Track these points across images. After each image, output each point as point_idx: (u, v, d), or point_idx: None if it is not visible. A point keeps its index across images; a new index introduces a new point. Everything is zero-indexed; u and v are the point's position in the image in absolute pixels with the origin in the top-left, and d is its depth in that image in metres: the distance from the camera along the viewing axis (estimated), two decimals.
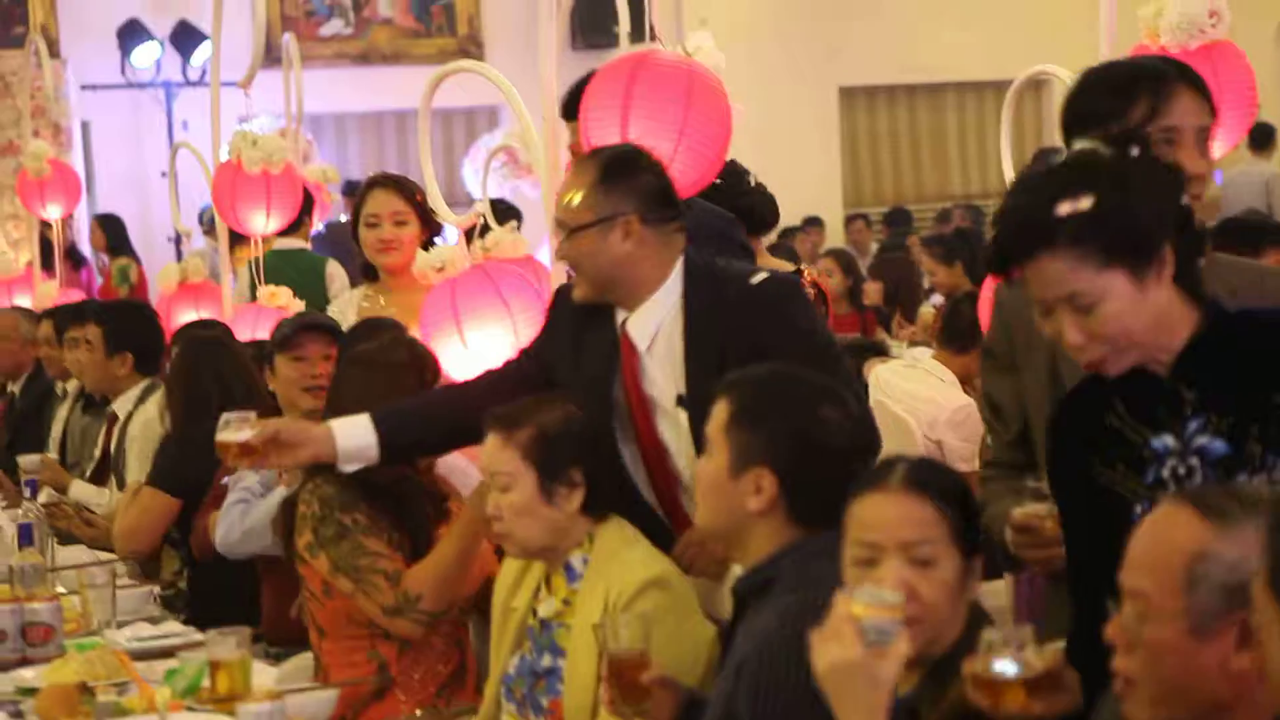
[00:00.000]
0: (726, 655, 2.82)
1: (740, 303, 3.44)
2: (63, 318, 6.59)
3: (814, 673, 2.23)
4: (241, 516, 4.28)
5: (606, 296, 3.54)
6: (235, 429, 3.48)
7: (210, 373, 4.86)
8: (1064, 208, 2.34)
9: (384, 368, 3.86)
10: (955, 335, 5.51)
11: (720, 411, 2.81)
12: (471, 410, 3.61)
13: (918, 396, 5.52)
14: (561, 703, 3.19)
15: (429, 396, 3.85)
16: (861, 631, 2.18)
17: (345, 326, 4.76)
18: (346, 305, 5.21)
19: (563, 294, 3.68)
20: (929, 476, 2.50)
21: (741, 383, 2.85)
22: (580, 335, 3.58)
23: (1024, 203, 2.40)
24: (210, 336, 5.17)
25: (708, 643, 3.10)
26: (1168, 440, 2.40)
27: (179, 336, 5.60)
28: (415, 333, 4.37)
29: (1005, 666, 2.17)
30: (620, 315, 3.53)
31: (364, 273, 5.35)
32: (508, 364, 3.79)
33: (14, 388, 7.37)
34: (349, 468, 3.64)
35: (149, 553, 5.03)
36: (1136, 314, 2.37)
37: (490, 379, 3.76)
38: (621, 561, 3.17)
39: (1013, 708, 2.16)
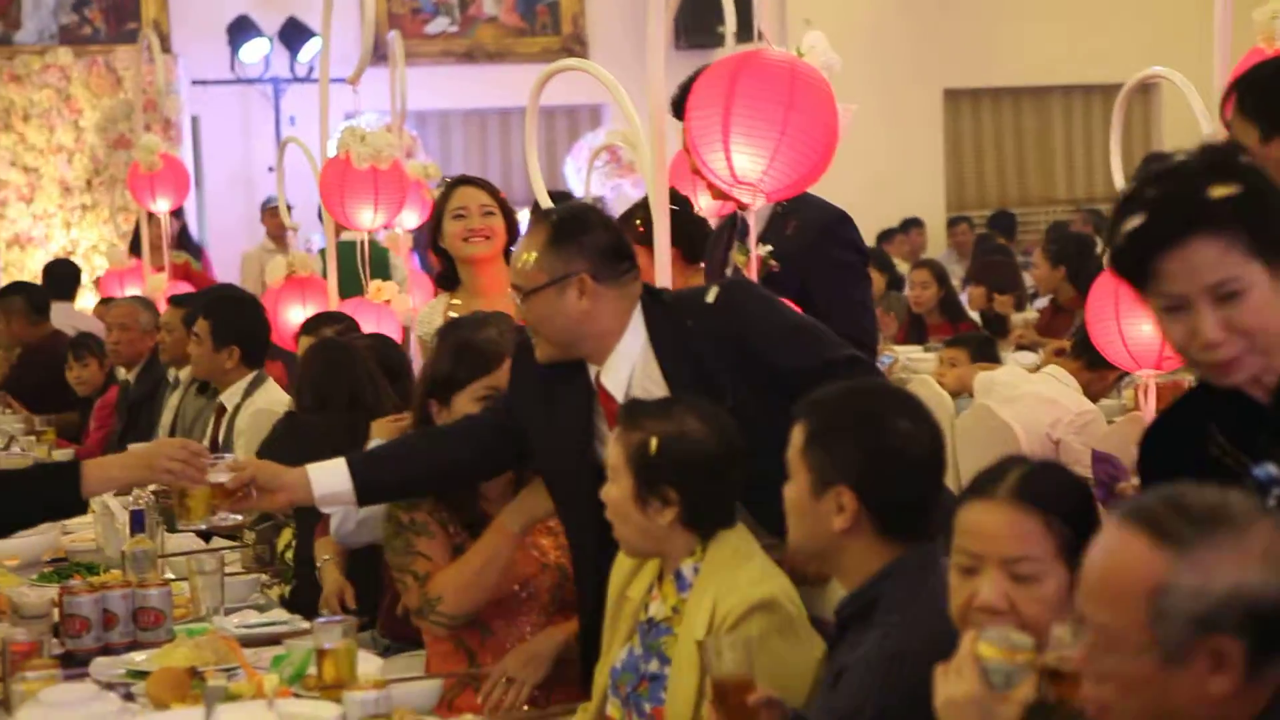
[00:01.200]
0: (828, 677, 2.83)
1: (704, 325, 3.48)
2: (191, 308, 6.68)
3: (934, 704, 2.23)
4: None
5: (571, 354, 3.57)
6: (214, 472, 3.59)
7: (346, 373, 4.89)
8: (1218, 191, 2.27)
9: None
10: (1088, 348, 5.44)
11: (797, 435, 2.83)
12: (446, 456, 3.75)
13: (1042, 396, 5.51)
14: (664, 711, 3.19)
15: (405, 440, 3.92)
16: (984, 672, 2.17)
17: (431, 331, 4.81)
18: (434, 312, 5.20)
19: (524, 350, 3.68)
20: (1041, 486, 2.44)
21: (816, 404, 2.85)
22: (551, 391, 3.61)
23: (1173, 187, 2.31)
24: (360, 350, 5.06)
25: (816, 662, 3.06)
26: (1271, 469, 2.32)
27: (311, 328, 5.67)
28: None
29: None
30: (592, 370, 3.57)
31: (442, 283, 5.24)
32: (485, 412, 3.82)
33: (129, 376, 7.49)
34: (328, 510, 3.79)
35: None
36: (1274, 310, 2.30)
37: (467, 425, 3.80)
38: (731, 579, 3.12)
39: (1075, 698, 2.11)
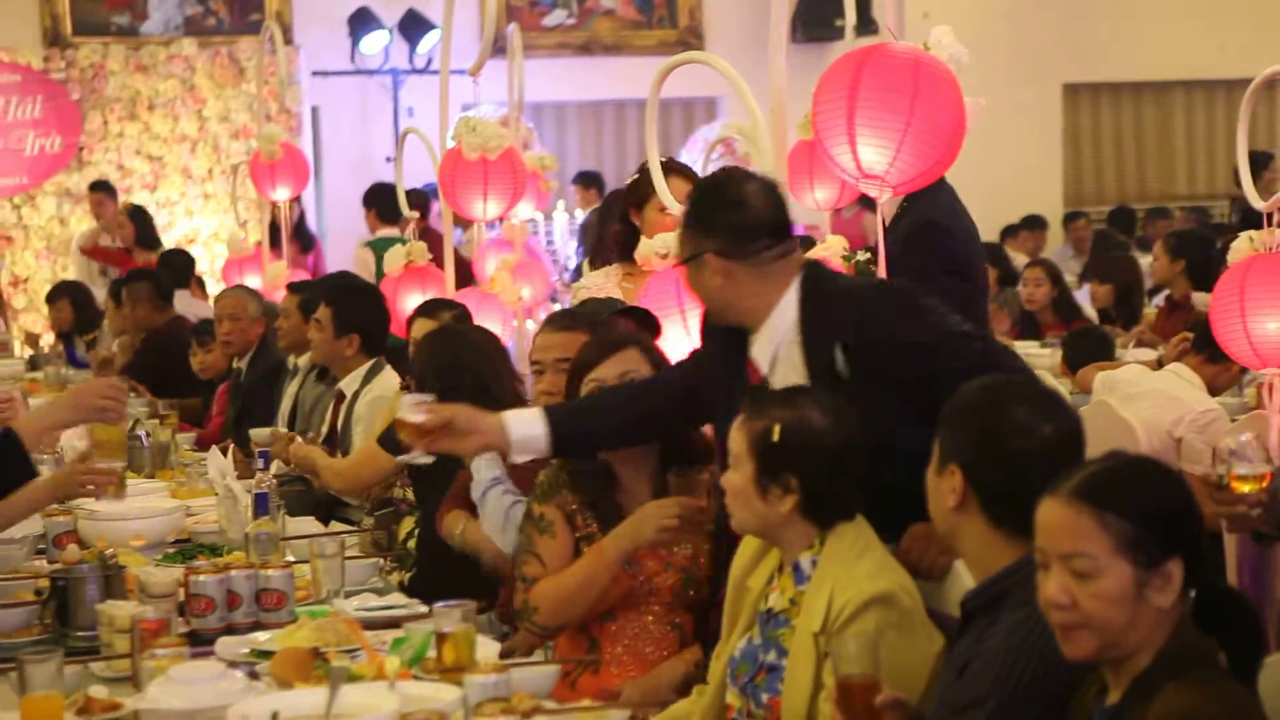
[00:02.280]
0: (951, 668, 2.83)
1: (845, 316, 3.45)
2: (309, 295, 6.76)
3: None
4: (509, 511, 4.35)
5: (726, 321, 3.59)
6: (412, 410, 3.62)
7: (469, 367, 4.91)
8: None
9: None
10: (1208, 343, 5.38)
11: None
12: (640, 406, 3.77)
13: (1165, 394, 5.46)
14: (780, 703, 3.20)
15: (600, 393, 3.89)
16: None
17: (604, 296, 4.85)
18: (607, 279, 5.17)
19: None
20: (1105, 485, 2.45)
21: (960, 387, 2.91)
22: (726, 350, 3.63)
23: None
24: (478, 338, 5.09)
25: (933, 657, 3.06)
26: None
27: (427, 313, 5.74)
28: None
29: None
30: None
31: (622, 252, 5.21)
32: (679, 365, 3.85)
33: (241, 364, 7.61)
34: (519, 458, 3.78)
35: (355, 494, 5.36)
36: None
37: (660, 379, 3.84)
38: (849, 573, 3.14)
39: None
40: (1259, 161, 12.26)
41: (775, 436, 3.18)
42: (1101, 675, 2.51)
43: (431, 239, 7.81)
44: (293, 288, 7.30)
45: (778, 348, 3.52)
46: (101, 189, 12.16)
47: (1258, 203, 4.78)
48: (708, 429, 3.90)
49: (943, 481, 2.85)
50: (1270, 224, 4.71)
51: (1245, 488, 2.78)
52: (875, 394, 3.36)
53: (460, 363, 4.82)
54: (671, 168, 5.12)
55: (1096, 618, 2.41)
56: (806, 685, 3.11)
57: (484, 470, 4.35)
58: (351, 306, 6.19)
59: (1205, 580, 2.47)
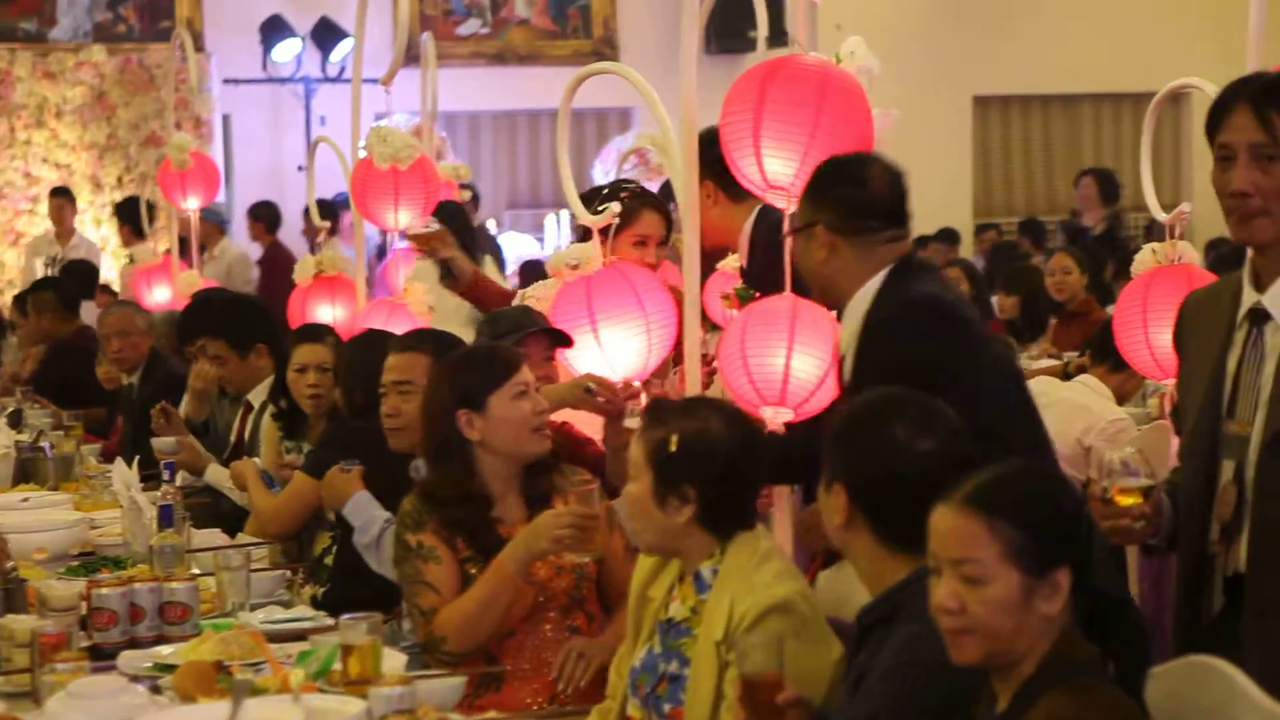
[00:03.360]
0: (848, 682, 2.85)
1: (871, 328, 3.51)
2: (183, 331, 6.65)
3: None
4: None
5: (827, 300, 3.72)
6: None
7: (364, 379, 4.88)
8: None
9: None
10: (1108, 353, 5.44)
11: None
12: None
13: (1074, 403, 5.52)
14: (683, 713, 3.20)
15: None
16: None
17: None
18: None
19: None
20: (996, 492, 2.48)
21: (847, 404, 2.93)
22: None
23: None
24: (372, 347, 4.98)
25: (832, 664, 3.08)
26: None
27: (361, 336, 5.64)
28: None
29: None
30: None
31: None
32: None
33: (133, 379, 7.53)
34: None
35: (287, 535, 5.16)
36: None
37: None
38: (748, 581, 3.15)
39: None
40: (1107, 183, 12.47)
41: (673, 447, 3.19)
42: (993, 687, 2.53)
43: (282, 256, 7.79)
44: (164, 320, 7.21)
45: (853, 333, 3.58)
46: (62, 194, 12.02)
47: (1160, 214, 4.84)
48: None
49: (829, 500, 2.87)
50: (1172, 236, 4.77)
51: (1127, 501, 2.82)
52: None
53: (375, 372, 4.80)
54: (646, 200, 5.06)
55: (984, 624, 2.44)
56: (708, 694, 3.12)
57: (371, 510, 4.37)
58: (238, 326, 6.14)
59: (1095, 590, 2.49)
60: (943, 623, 2.48)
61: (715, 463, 3.19)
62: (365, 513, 4.45)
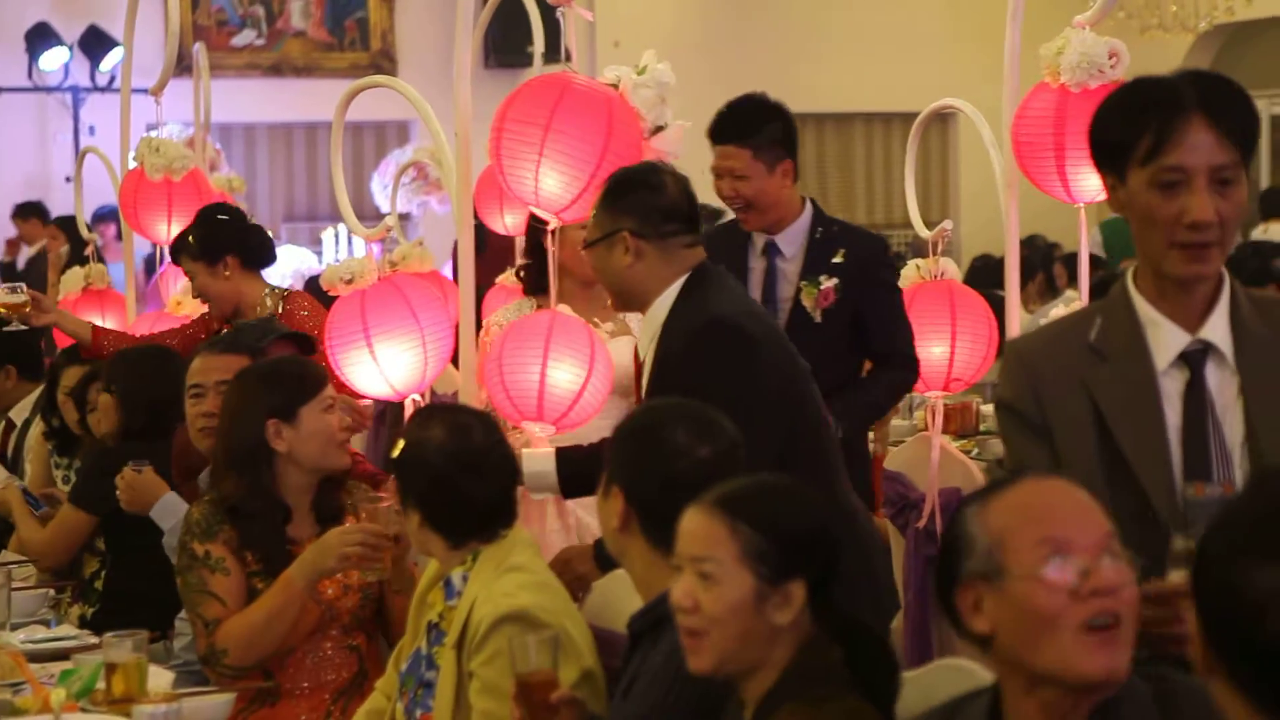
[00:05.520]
0: (619, 687, 2.88)
1: (666, 341, 3.60)
2: None
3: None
4: None
5: (630, 307, 3.81)
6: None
7: (146, 400, 4.79)
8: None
9: None
10: None
11: None
12: None
13: None
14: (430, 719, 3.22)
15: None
16: None
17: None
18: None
19: None
20: (743, 497, 2.51)
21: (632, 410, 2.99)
22: None
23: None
24: (155, 367, 4.90)
25: (575, 675, 3.07)
26: None
27: (122, 356, 5.47)
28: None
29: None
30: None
31: (531, 287, 4.77)
32: None
33: None
34: (536, 496, 3.93)
35: (62, 567, 5.04)
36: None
37: None
38: (489, 590, 3.15)
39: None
40: None
41: (394, 452, 3.26)
42: (740, 697, 2.56)
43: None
44: None
45: (653, 337, 3.64)
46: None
47: (924, 231, 4.98)
48: None
49: (608, 504, 2.91)
50: (935, 253, 4.91)
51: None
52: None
53: (134, 395, 4.74)
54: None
55: (715, 624, 2.46)
56: (449, 702, 3.13)
57: (179, 511, 4.30)
58: None
59: (852, 623, 2.51)
60: (680, 622, 2.51)
61: (425, 474, 3.23)
62: (174, 515, 4.34)
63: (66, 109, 12.99)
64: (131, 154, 6.65)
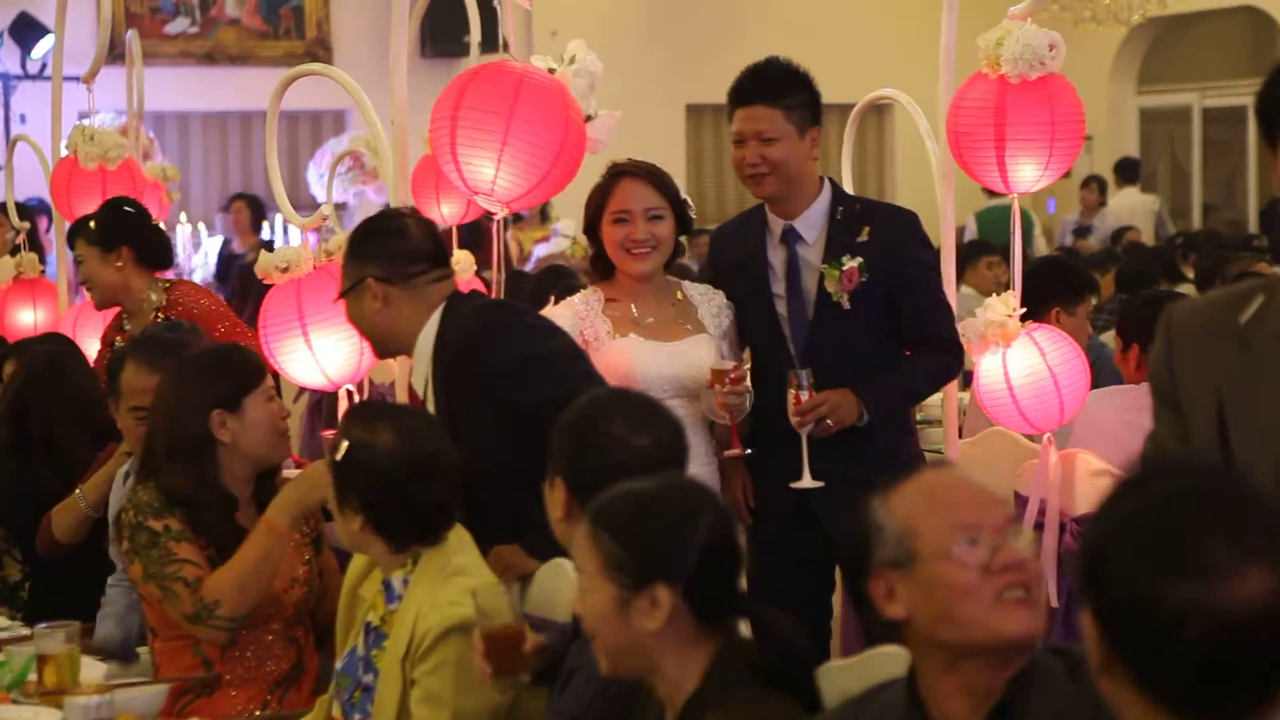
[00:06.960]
0: (560, 677, 2.88)
1: (450, 352, 3.65)
2: None
3: None
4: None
5: (390, 352, 3.85)
6: None
7: (39, 408, 4.72)
8: None
9: None
10: None
11: None
12: None
13: None
14: None
15: None
16: None
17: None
18: (588, 308, 4.25)
19: None
20: (610, 508, 2.51)
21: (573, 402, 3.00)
22: None
23: None
24: (48, 371, 4.82)
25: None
26: None
27: (20, 356, 5.36)
28: None
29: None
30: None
31: (598, 272, 4.32)
32: None
33: None
34: None
35: None
36: None
37: None
38: (433, 597, 3.11)
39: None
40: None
41: (339, 454, 3.19)
42: (660, 701, 2.55)
43: None
44: None
45: (425, 376, 3.67)
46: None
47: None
48: None
49: (552, 494, 2.91)
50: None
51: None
52: (477, 415, 3.48)
53: (26, 399, 4.71)
54: (624, 170, 4.32)
55: (595, 632, 2.49)
56: (392, 711, 3.10)
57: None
58: None
59: (775, 638, 2.50)
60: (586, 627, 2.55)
61: (373, 478, 3.16)
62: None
63: None
64: (64, 143, 6.60)
